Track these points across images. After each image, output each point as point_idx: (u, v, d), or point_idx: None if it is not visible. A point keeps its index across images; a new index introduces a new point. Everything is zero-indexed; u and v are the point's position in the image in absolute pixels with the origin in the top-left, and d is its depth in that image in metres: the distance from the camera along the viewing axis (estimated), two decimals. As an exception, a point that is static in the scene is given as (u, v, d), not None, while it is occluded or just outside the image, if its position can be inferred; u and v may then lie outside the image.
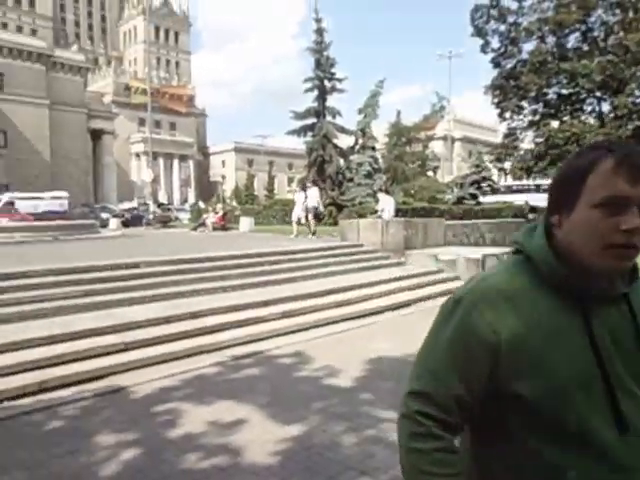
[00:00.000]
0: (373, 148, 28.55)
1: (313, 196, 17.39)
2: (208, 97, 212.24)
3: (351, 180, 26.67)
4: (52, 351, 5.67)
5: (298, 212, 17.20)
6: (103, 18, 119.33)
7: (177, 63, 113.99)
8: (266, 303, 7.98)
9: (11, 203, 31.53)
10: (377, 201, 17.35)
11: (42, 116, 58.65)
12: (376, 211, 16.56)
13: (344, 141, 29.47)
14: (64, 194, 36.46)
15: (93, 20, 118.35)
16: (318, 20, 27.40)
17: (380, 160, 31.53)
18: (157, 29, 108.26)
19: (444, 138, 62.32)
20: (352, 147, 29.03)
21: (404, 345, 6.58)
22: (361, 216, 18.54)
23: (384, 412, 4.42)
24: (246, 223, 22.24)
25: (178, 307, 7.38)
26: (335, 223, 21.30)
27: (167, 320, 6.88)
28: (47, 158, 58.50)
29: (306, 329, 7.43)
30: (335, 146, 27.40)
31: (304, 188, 17.98)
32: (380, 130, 35.56)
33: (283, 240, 15.34)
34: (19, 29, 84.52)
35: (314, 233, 16.75)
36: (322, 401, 4.80)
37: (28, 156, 55.47)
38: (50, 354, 5.60)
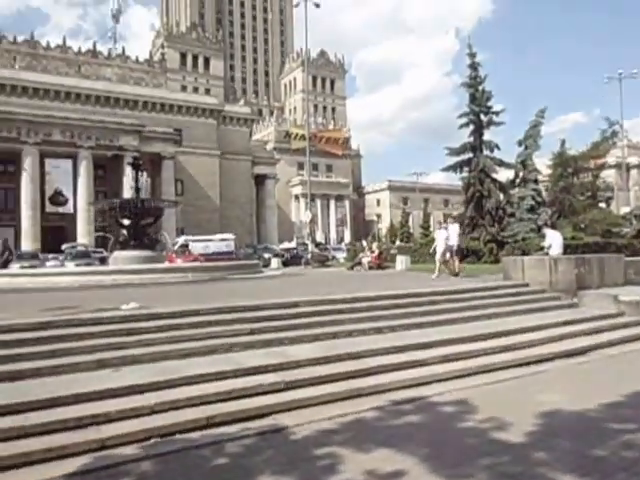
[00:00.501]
0: (535, 181, 27.01)
1: (454, 233, 16.69)
2: (364, 138, 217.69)
3: (512, 215, 25.42)
4: (219, 387, 5.91)
5: (441, 250, 16.44)
6: (266, 73, 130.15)
7: (333, 109, 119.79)
8: (425, 346, 7.68)
9: (185, 245, 34.78)
10: (543, 237, 16.17)
11: (213, 165, 64.70)
12: (542, 247, 15.41)
13: (503, 175, 28.40)
14: (230, 236, 39.41)
15: (258, 76, 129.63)
16: (472, 55, 27.38)
17: (544, 193, 29.75)
18: (314, 78, 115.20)
19: (617, 166, 58.40)
20: (512, 181, 27.88)
21: (580, 398, 5.92)
22: (525, 253, 17.44)
23: (563, 476, 3.91)
24: (402, 261, 22.10)
25: (336, 347, 7.37)
26: (496, 261, 20.26)
27: (326, 360, 6.89)
28: (217, 202, 64.12)
29: (469, 375, 6.98)
30: (494, 180, 26.52)
31: (446, 227, 17.25)
32: (542, 161, 33.60)
33: (439, 279, 14.89)
34: (195, 90, 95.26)
35: (457, 274, 15.88)
36: (489, 457, 4.38)
37: (201, 201, 61.25)
38: (218, 390, 5.83)
